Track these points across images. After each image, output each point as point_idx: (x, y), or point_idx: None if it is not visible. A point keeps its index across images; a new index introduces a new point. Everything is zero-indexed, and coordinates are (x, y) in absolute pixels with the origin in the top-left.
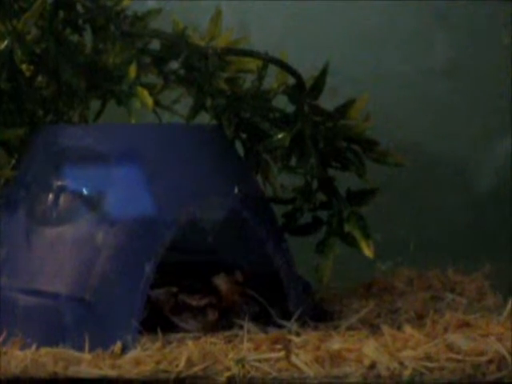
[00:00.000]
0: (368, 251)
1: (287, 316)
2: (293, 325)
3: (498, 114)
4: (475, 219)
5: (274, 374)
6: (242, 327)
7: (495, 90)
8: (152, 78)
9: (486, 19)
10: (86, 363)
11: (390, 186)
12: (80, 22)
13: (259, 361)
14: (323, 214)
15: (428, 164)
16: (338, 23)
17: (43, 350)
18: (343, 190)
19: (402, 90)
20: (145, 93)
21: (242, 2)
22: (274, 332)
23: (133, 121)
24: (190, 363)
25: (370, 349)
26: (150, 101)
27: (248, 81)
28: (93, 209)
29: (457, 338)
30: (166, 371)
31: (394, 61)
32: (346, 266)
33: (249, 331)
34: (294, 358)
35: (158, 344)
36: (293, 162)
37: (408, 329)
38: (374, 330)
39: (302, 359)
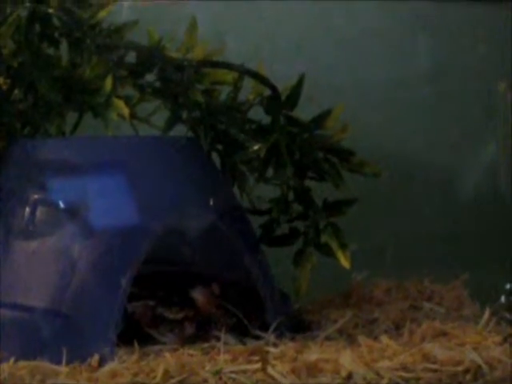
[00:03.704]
0: (345, 261)
1: (265, 327)
2: (270, 336)
3: (479, 121)
4: (453, 229)
5: None
6: (219, 339)
7: (477, 96)
8: (129, 90)
9: (469, 23)
10: (63, 376)
11: (367, 196)
12: (56, 35)
13: (236, 372)
14: (300, 225)
15: (406, 173)
16: (317, 29)
17: (21, 364)
18: (320, 200)
19: (382, 96)
20: (121, 103)
21: (219, 5)
22: (251, 343)
23: (110, 133)
24: (167, 375)
25: (347, 359)
26: (126, 111)
27: (224, 92)
28: (70, 222)
29: (433, 348)
30: (143, 383)
31: (375, 67)
32: (321, 275)
33: (226, 343)
34: (270, 370)
35: (135, 356)
36: (269, 173)
37: (385, 339)
38: (352, 340)
39: (278, 370)
